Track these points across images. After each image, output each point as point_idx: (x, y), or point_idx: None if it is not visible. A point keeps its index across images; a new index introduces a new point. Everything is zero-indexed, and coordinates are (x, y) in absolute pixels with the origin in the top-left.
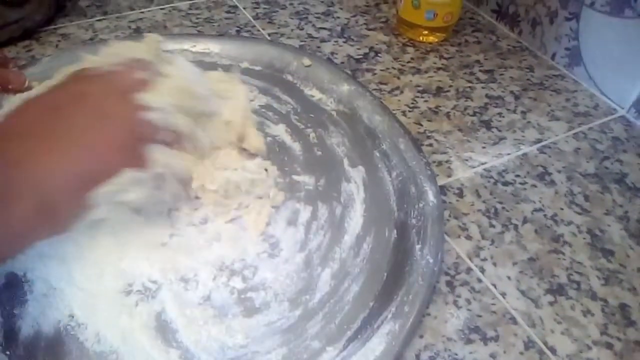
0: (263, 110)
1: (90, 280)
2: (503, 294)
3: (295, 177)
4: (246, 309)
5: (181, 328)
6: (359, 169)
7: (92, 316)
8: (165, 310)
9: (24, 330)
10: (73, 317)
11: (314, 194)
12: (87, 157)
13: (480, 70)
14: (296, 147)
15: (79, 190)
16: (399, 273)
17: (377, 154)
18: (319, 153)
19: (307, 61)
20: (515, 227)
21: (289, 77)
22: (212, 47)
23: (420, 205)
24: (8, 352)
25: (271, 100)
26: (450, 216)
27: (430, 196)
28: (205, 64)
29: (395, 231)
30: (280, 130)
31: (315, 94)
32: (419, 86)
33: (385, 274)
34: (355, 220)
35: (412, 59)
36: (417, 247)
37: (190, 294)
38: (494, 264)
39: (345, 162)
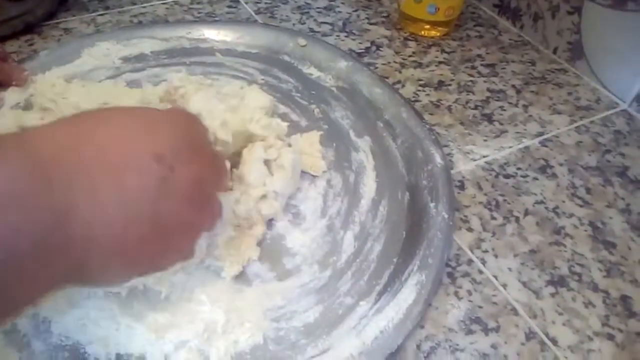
0: (265, 89)
1: None
2: (504, 285)
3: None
4: (279, 273)
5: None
6: (365, 139)
7: None
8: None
9: None
10: None
11: (327, 164)
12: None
13: (481, 64)
14: (303, 122)
15: (123, 271)
16: (418, 230)
17: (381, 124)
18: (325, 127)
19: (302, 41)
20: (517, 219)
21: (286, 58)
22: (207, 33)
23: (429, 167)
24: None
25: (272, 81)
26: None
27: (438, 158)
28: (202, 50)
29: (407, 193)
30: (285, 108)
31: (313, 72)
32: (420, 80)
33: (404, 232)
34: (369, 186)
35: (413, 53)
36: (432, 205)
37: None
38: (495, 256)
39: (352, 133)
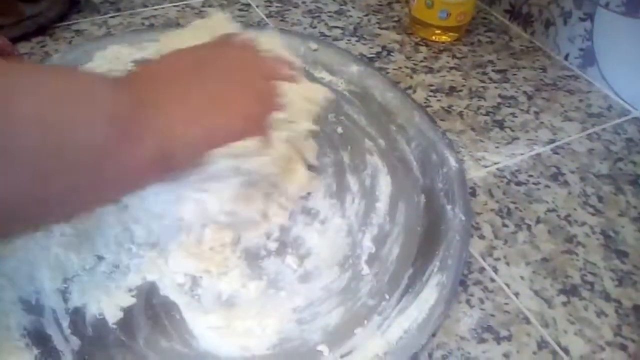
0: None
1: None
2: (516, 294)
3: (323, 154)
4: (300, 275)
5: (243, 301)
6: (378, 142)
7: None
8: (223, 292)
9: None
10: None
11: (343, 167)
12: (215, 116)
13: (493, 70)
14: (317, 127)
15: (199, 145)
16: (436, 232)
17: (394, 128)
18: (340, 130)
19: (314, 45)
20: (529, 227)
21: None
22: None
23: (444, 170)
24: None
25: None
26: None
27: (452, 161)
28: None
29: (423, 195)
30: None
31: (325, 76)
32: (431, 85)
33: (422, 234)
34: (385, 189)
35: (425, 58)
36: (448, 207)
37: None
38: (507, 264)
39: (365, 137)
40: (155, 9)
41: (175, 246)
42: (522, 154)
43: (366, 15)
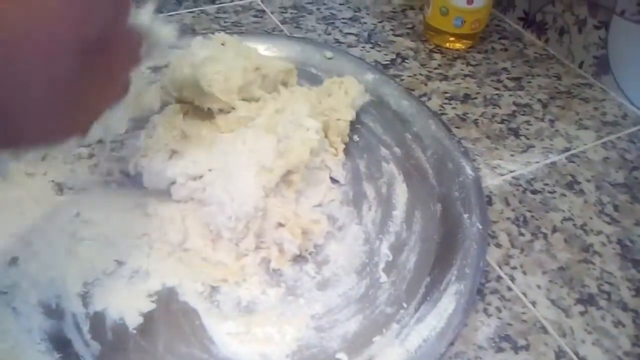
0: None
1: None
2: (533, 303)
3: (339, 162)
4: (319, 282)
5: (263, 308)
6: (394, 151)
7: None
8: (242, 298)
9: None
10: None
11: (359, 175)
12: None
13: (507, 78)
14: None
15: None
16: (453, 240)
17: (409, 136)
18: (356, 138)
19: (329, 54)
20: (545, 235)
21: (313, 70)
22: None
23: (460, 179)
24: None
25: None
26: None
27: (468, 170)
28: None
29: (439, 204)
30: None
31: None
32: (446, 93)
33: (439, 243)
34: (401, 197)
35: (439, 65)
36: (465, 216)
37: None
38: (524, 273)
39: (381, 145)
40: (171, 15)
41: (193, 254)
42: (537, 162)
43: (380, 22)
